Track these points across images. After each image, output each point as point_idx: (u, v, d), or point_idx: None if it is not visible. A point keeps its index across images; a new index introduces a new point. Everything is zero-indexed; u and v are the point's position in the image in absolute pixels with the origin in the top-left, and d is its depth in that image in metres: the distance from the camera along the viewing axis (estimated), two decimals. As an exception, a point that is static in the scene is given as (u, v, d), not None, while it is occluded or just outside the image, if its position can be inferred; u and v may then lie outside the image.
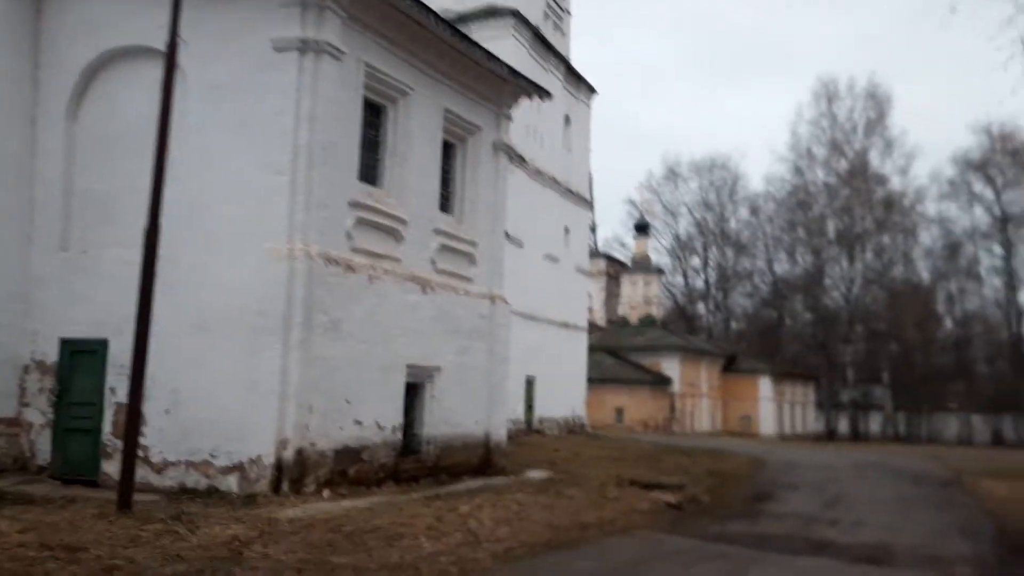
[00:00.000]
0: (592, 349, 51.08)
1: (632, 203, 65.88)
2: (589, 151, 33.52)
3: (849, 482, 18.13)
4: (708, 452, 24.89)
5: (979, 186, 61.35)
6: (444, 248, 14.58)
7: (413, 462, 13.52)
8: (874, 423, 61.98)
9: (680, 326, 68.92)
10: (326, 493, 11.51)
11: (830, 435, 59.61)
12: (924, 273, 66.57)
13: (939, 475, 20.99)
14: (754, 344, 71.53)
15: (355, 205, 12.58)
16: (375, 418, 12.52)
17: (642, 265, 56.21)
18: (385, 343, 12.77)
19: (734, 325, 76.86)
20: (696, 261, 76.48)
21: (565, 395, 30.34)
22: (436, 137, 14.55)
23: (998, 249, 60.94)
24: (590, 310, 70.77)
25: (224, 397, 11.29)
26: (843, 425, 61.19)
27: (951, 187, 63.08)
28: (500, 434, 15.74)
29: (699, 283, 76.71)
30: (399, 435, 13.08)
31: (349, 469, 12.13)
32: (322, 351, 11.64)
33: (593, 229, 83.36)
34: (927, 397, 61.64)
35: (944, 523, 12.33)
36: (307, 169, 11.76)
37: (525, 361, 27.04)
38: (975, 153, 62.13)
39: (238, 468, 11.10)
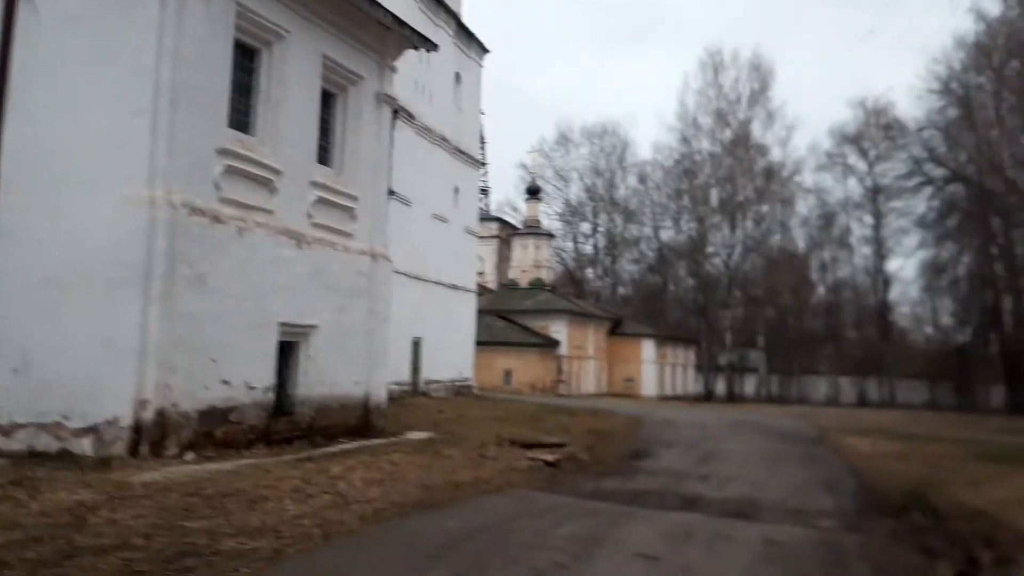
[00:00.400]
0: (482, 312, 51.16)
1: (524, 167, 65.85)
2: (480, 111, 33.12)
3: (722, 440, 18.73)
4: (591, 412, 25.29)
5: (853, 158, 64.38)
6: (322, 201, 14.00)
7: (286, 423, 13.03)
8: (749, 385, 64.86)
9: (569, 290, 69.85)
10: (189, 456, 10.94)
11: (708, 396, 62.02)
12: (800, 242, 69.69)
13: (806, 433, 21.99)
14: (640, 308, 73.34)
15: (224, 152, 11.85)
16: (244, 378, 11.95)
17: (533, 229, 56.45)
18: (256, 299, 12.17)
19: (621, 290, 78.58)
20: (586, 227, 77.52)
21: (453, 357, 30.18)
22: (314, 85, 13.87)
23: (869, 219, 64.29)
24: (481, 273, 71.01)
25: (78, 355, 10.51)
26: (721, 386, 63.74)
27: (827, 159, 66.00)
28: (380, 395, 15.39)
29: (588, 248, 77.87)
30: (271, 395, 12.55)
31: (216, 431, 11.55)
32: (186, 306, 10.98)
33: (486, 192, 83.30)
34: (799, 360, 64.85)
35: (809, 478, 12.83)
36: (170, 111, 10.99)
37: (411, 322, 26.75)
38: (850, 127, 65.13)
39: (92, 430, 10.37)
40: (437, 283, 28.78)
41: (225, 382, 11.60)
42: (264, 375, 12.39)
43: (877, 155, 62.90)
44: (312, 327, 13.55)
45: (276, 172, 12.82)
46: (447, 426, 17.63)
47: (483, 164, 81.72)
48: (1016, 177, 48.97)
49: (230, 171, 11.95)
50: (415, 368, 27.38)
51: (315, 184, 13.83)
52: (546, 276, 55.56)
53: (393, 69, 16.04)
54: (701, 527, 8.38)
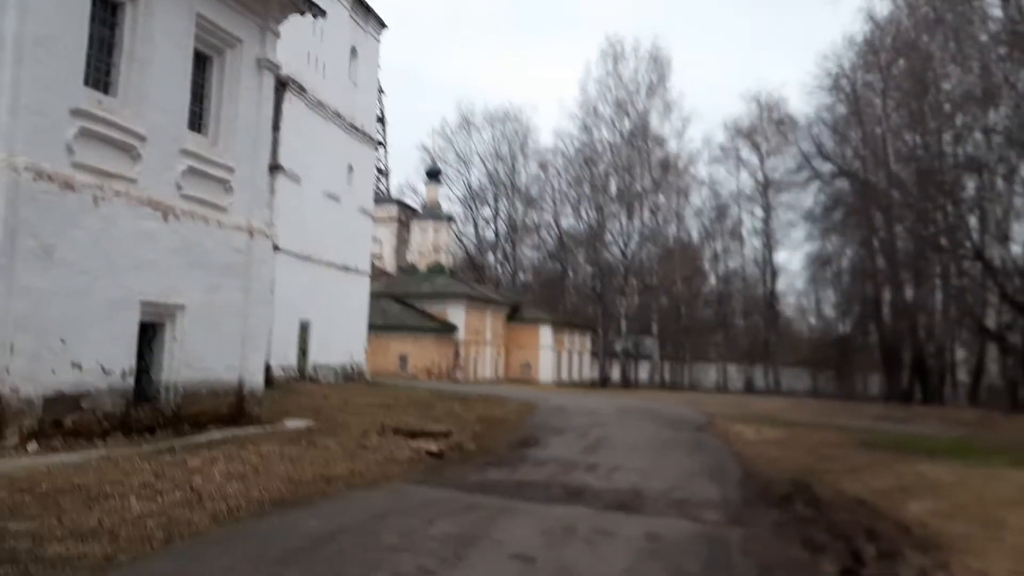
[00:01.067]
0: (378, 295, 50.08)
1: (425, 149, 64.86)
2: (377, 87, 32.07)
3: (612, 427, 18.60)
4: (484, 399, 24.87)
5: (746, 152, 66.08)
6: (193, 172, 12.96)
7: (149, 411, 12.03)
8: (644, 371, 66.01)
9: (469, 275, 69.38)
10: (32, 447, 9.90)
11: (604, 382, 62.75)
12: (694, 232, 71.24)
13: (694, 419, 22.17)
14: (539, 295, 73.65)
15: (79, 113, 10.74)
16: (99, 361, 10.90)
17: (432, 212, 55.59)
18: (113, 275, 11.12)
19: (522, 276, 78.60)
20: (487, 212, 77.11)
21: (343, 341, 29.21)
22: (186, 45, 12.79)
23: (759, 212, 66.15)
24: (380, 256, 69.70)
25: (-100, 335, 9.31)
26: (616, 373, 64.62)
27: (721, 151, 67.56)
28: (256, 381, 14.47)
29: (489, 234, 77.51)
30: (131, 381, 11.53)
31: (65, 419, 10.51)
32: (29, 281, 9.90)
33: (386, 174, 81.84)
34: (691, 347, 66.41)
35: (695, 466, 12.71)
36: (14, 65, 9.87)
37: (300, 304, 25.71)
38: (744, 121, 66.81)
39: (-87, 419, 9.21)
40: (328, 264, 27.72)
41: (76, 365, 10.54)
42: (122, 358, 11.35)
43: (769, 149, 64.84)
44: (180, 307, 12.54)
45: (140, 137, 11.74)
46: (329, 413, 16.84)
47: (382, 144, 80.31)
48: (899, 173, 51.15)
49: (85, 134, 10.84)
50: (303, 352, 26.32)
51: (186, 152, 12.78)
52: (445, 260, 54.88)
53: (276, 33, 15.04)
54: (584, 522, 7.99)
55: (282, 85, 24.59)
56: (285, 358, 24.70)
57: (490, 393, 29.21)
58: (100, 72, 11.48)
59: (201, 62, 13.58)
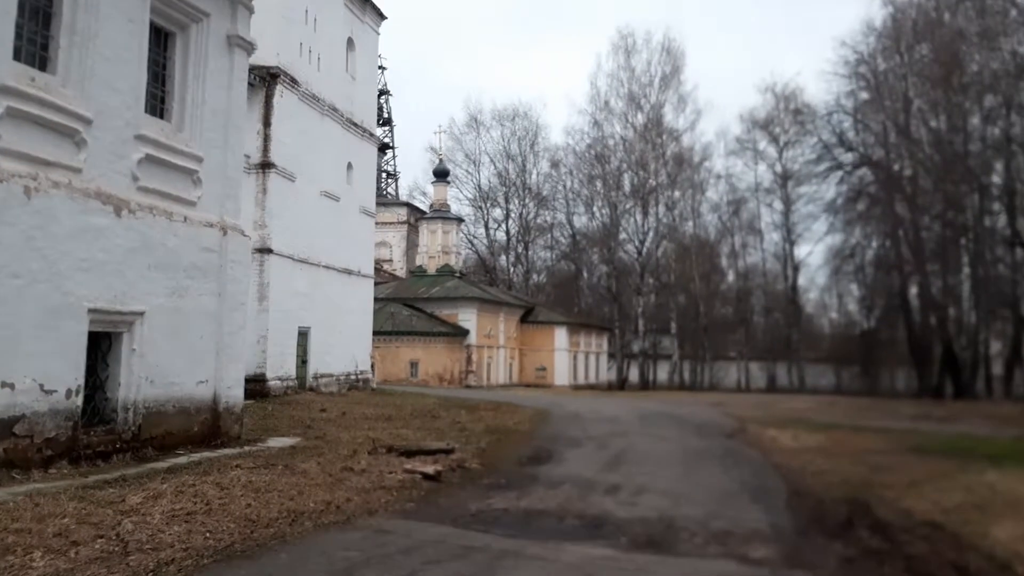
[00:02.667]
0: (387, 300, 48.66)
1: (433, 150, 63.26)
2: (377, 81, 30.53)
3: (634, 436, 16.93)
4: (494, 406, 23.25)
5: (763, 144, 64.10)
6: (152, 161, 11.43)
7: (103, 434, 10.49)
8: (663, 371, 64.13)
9: (481, 278, 67.84)
10: (-49, 483, 8.36)
11: (622, 384, 60.96)
12: (710, 228, 69.31)
13: (722, 424, 20.45)
14: (553, 296, 72.01)
15: (6, 92, 9.21)
16: (37, 378, 9.35)
17: (441, 212, 53.98)
18: (53, 279, 9.58)
19: (535, 278, 76.93)
20: (498, 212, 75.45)
21: (347, 348, 27.63)
22: (140, 18, 11.25)
23: (779, 205, 64.16)
24: (389, 260, 68.25)
25: None
26: (634, 374, 62.81)
27: (738, 144, 65.58)
28: (234, 395, 12.93)
29: (501, 235, 75.85)
30: (78, 400, 9.97)
31: (-4, 447, 8.97)
32: (-56, 288, 8.37)
33: (394, 176, 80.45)
34: (710, 346, 64.53)
35: (733, 484, 11.04)
36: (-77, 35, 8.34)
37: (297, 310, 24.21)
38: (760, 112, 64.85)
39: None
40: (328, 267, 26.16)
41: (6, 385, 8.99)
42: (67, 375, 9.79)
43: (787, 140, 62.79)
44: (138, 314, 10.99)
45: (84, 120, 10.21)
46: (322, 428, 15.27)
47: (390, 147, 78.91)
48: (923, 161, 49.21)
49: (14, 115, 9.32)
50: (303, 361, 24.76)
51: (143, 139, 11.25)
52: (455, 262, 53.27)
53: (248, 8, 13.50)
54: (606, 569, 6.38)
55: (272, 77, 23.13)
56: (282, 368, 23.18)
57: (502, 399, 27.58)
58: (35, 46, 9.97)
59: (162, 39, 12.08)
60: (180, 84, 12.29)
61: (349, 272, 28.01)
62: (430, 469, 10.39)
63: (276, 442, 13.10)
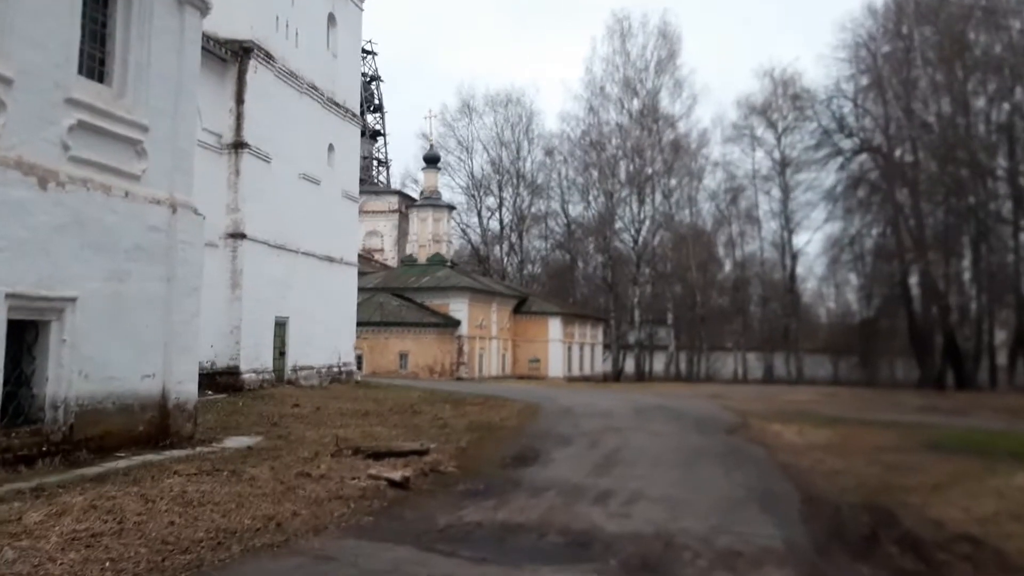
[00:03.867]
0: (375, 290, 47.38)
1: (424, 135, 61.77)
2: (360, 60, 29.19)
3: (629, 432, 15.74)
4: (482, 400, 22.05)
5: (761, 130, 62.80)
6: (87, 128, 10.16)
7: (28, 436, 9.27)
8: (659, 362, 63.04)
9: (474, 267, 66.63)
10: None
11: (617, 375, 59.83)
12: (707, 216, 68.10)
13: (723, 419, 19.28)
14: (548, 286, 70.79)
15: (-98, 43, 7.96)
16: (-59, 374, 8.13)
17: (432, 200, 52.60)
18: (-41, 260, 8.35)
19: (529, 268, 75.69)
20: (492, 201, 74.07)
21: (329, 339, 26.40)
22: (71, -34, 9.98)
23: (777, 192, 62.94)
24: (380, 250, 66.94)
25: None
26: (630, 365, 61.73)
27: (735, 130, 64.27)
28: (186, 390, 11.70)
29: (494, 224, 74.49)
30: (-6, 398, 8.76)
31: None
32: None
33: (387, 164, 79.17)
34: (707, 337, 63.42)
35: (738, 489, 9.85)
36: None
37: (275, 299, 22.99)
38: (758, 97, 63.56)
39: None
40: (308, 254, 24.87)
41: (-99, 381, 7.77)
42: (-20, 369, 8.57)
43: (785, 127, 61.48)
44: (69, 300, 9.74)
45: (2, 80, 8.95)
46: (289, 426, 14.05)
47: (381, 134, 77.58)
48: (930, 144, 48.02)
49: (-89, 70, 8.06)
50: (280, 353, 23.52)
51: (76, 103, 9.98)
52: (446, 251, 51.95)
53: (201, -40, 12.21)
54: (591, 607, 5.19)
55: (245, 51, 21.81)
56: (258, 360, 21.94)
57: (492, 393, 26.38)
58: (-59, -7, 8.71)
59: (101, -7, 10.81)
60: (122, 45, 11.01)
61: (331, 259, 26.75)
62: (396, 475, 9.18)
63: (233, 442, 11.89)
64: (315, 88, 25.39)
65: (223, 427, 13.52)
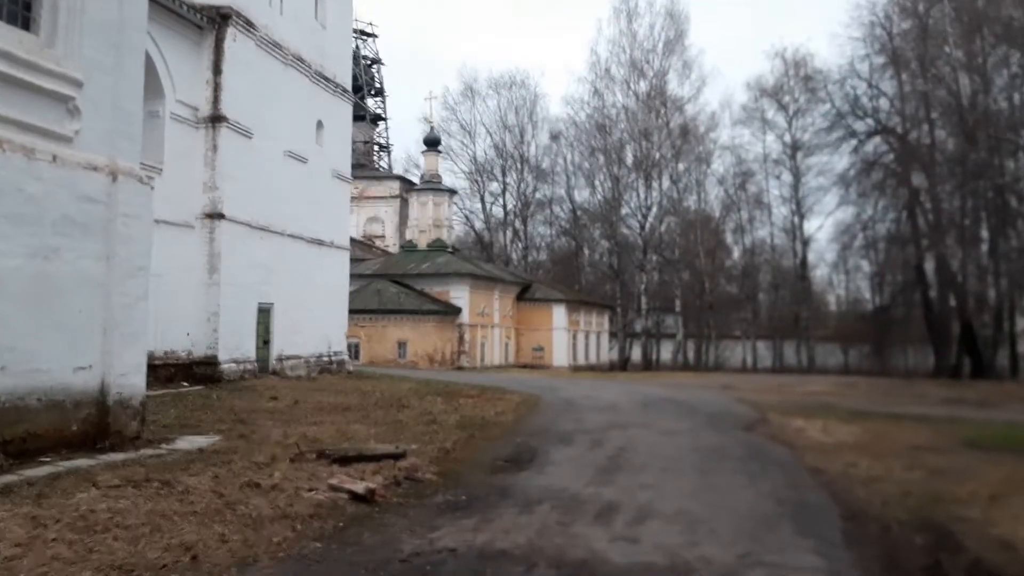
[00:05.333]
0: (374, 276, 45.97)
1: (425, 119, 60.12)
2: (351, 32, 27.67)
3: (635, 429, 14.28)
4: (479, 391, 20.63)
5: (771, 112, 61.00)
6: (5, 80, 8.70)
7: (-73, 439, 7.85)
8: (666, 351, 61.57)
9: (478, 254, 65.17)
10: None
11: (624, 364, 58.39)
12: (716, 202, 66.36)
13: (738, 413, 17.79)
14: (553, 273, 69.31)
15: None
16: None
17: (432, 184, 51.03)
18: None
19: (534, 254, 74.12)
20: (495, 187, 72.43)
21: (318, 327, 24.97)
22: None
23: (787, 177, 61.17)
24: (382, 236, 65.47)
25: None
26: (636, 353, 60.26)
27: (744, 113, 62.48)
28: (130, 384, 10.24)
29: (498, 210, 72.86)
30: None
31: None
32: None
33: (388, 149, 77.54)
34: (715, 325, 61.91)
35: (765, 502, 8.38)
36: None
37: (258, 284, 21.59)
38: (769, 79, 61.76)
39: None
40: (295, 237, 23.41)
41: None
42: None
43: (796, 109, 59.64)
44: (-21, 280, 8.32)
45: None
46: (256, 423, 12.61)
47: (383, 119, 75.89)
48: (943, 126, 46.28)
49: None
50: (264, 342, 22.10)
51: (-12, 50, 8.52)
52: (447, 236, 50.43)
53: None
54: None
55: (223, 17, 20.30)
56: (238, 349, 20.53)
57: (491, 383, 24.97)
58: None
59: (23, -75, 9.32)
60: (50, -14, 9.53)
61: (320, 243, 25.30)
62: (360, 487, 7.73)
63: (186, 443, 10.46)
64: (302, 60, 23.87)
65: (182, 424, 12.10)
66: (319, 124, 25.17)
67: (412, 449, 10.36)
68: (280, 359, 22.82)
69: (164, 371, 18.96)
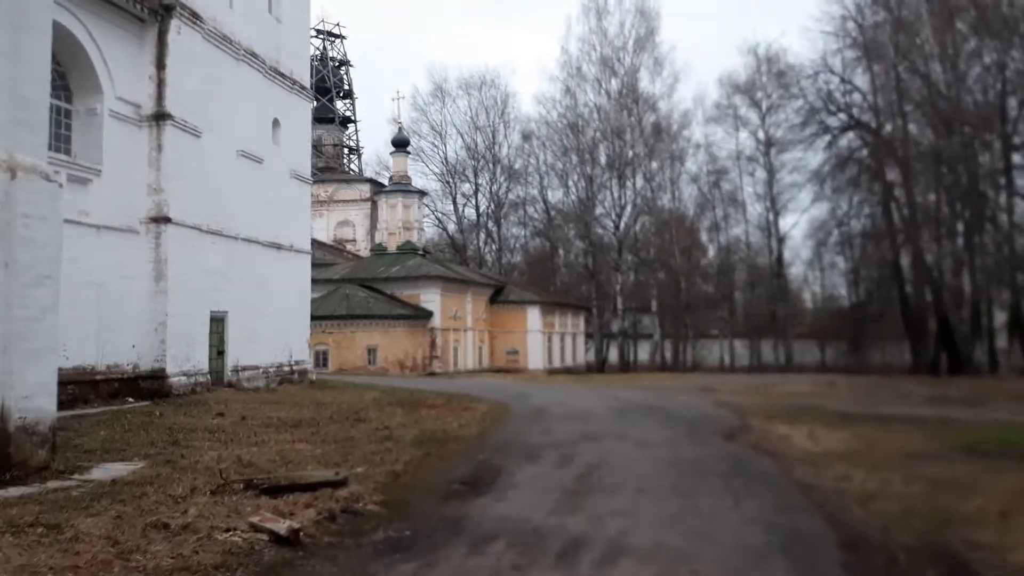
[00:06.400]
0: (342, 281, 44.69)
1: (393, 119, 58.91)
2: (309, 26, 26.46)
3: (609, 440, 13.27)
4: (445, 400, 19.56)
5: (744, 109, 60.44)
6: None
7: None
8: (643, 352, 60.79)
9: (451, 257, 64.06)
10: None
11: (601, 366, 57.52)
12: (690, 200, 65.69)
13: (718, 419, 16.83)
14: (528, 275, 68.35)
15: None
16: None
17: (401, 185, 49.85)
18: None
19: (508, 256, 73.07)
20: (467, 188, 71.29)
21: (278, 335, 23.76)
22: None
23: (761, 174, 60.62)
24: (352, 240, 64.10)
25: None
26: (613, 354, 59.43)
27: (717, 110, 61.88)
28: (36, 408, 9.03)
29: (470, 212, 71.73)
30: None
31: None
32: None
33: (358, 152, 76.12)
34: (692, 324, 61.22)
35: (753, 528, 7.37)
36: None
37: (210, 291, 20.38)
38: (741, 75, 61.19)
39: None
40: (250, 241, 22.17)
41: None
42: None
43: (770, 105, 59.13)
44: None
45: None
46: (191, 444, 11.42)
47: (352, 121, 74.48)
48: (917, 120, 45.83)
49: None
50: (218, 352, 20.86)
51: None
52: (417, 239, 49.26)
53: None
54: None
55: (166, 9, 19.04)
56: (189, 361, 19.27)
57: (460, 390, 23.89)
58: None
59: None
60: (-68, -44, 8.35)
61: (279, 247, 24.09)
62: (283, 527, 6.61)
63: (103, 471, 9.29)
64: (255, 56, 22.67)
65: (107, 449, 10.91)
66: (275, 122, 23.97)
67: (358, 473, 9.26)
68: (236, 370, 21.59)
69: (107, 387, 17.74)
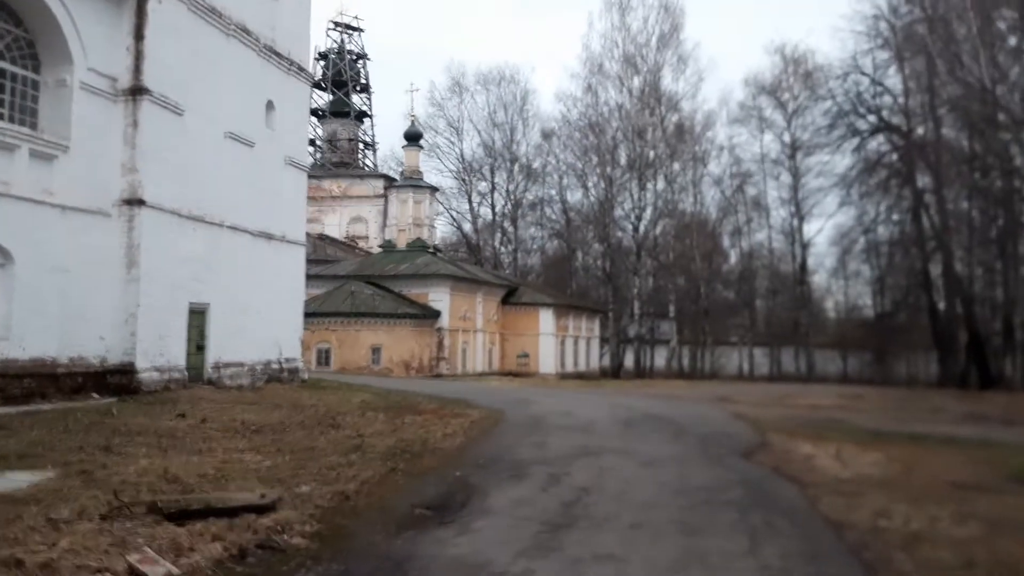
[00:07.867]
0: (348, 277, 43.36)
1: (408, 113, 57.52)
2: (310, 5, 25.06)
3: (610, 456, 11.67)
4: (438, 405, 18.04)
5: (770, 111, 58.54)
6: None
7: None
8: (660, 358, 59.04)
9: (465, 256, 62.63)
10: None
11: (616, 371, 55.87)
12: (712, 204, 63.83)
13: (735, 434, 15.16)
14: (544, 277, 66.88)
15: None
16: None
17: (413, 180, 48.44)
18: None
19: (524, 257, 71.52)
20: (484, 186, 69.79)
21: (267, 331, 22.34)
22: None
23: (786, 178, 58.67)
24: (364, 237, 62.85)
25: None
26: (629, 359, 57.76)
27: (742, 111, 60.00)
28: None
29: (486, 211, 70.20)
30: None
31: None
32: None
33: (373, 147, 74.79)
34: (711, 331, 59.40)
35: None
36: None
37: (189, 281, 19.04)
38: (767, 75, 59.32)
39: None
40: (236, 229, 20.74)
41: None
42: None
43: (796, 107, 57.19)
44: None
45: None
46: (124, 451, 9.94)
47: (368, 115, 73.15)
48: (950, 123, 43.81)
49: None
50: (198, 347, 19.46)
51: None
52: (428, 236, 47.82)
53: None
54: None
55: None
56: (163, 355, 17.89)
57: (460, 394, 22.38)
58: None
59: None
60: None
61: (269, 236, 22.68)
62: (161, 571, 5.10)
63: (2, 484, 7.85)
64: (247, 31, 21.29)
65: (25, 454, 9.47)
66: (270, 104, 22.60)
67: (300, 493, 7.76)
68: (218, 367, 20.18)
69: (69, 381, 16.38)
